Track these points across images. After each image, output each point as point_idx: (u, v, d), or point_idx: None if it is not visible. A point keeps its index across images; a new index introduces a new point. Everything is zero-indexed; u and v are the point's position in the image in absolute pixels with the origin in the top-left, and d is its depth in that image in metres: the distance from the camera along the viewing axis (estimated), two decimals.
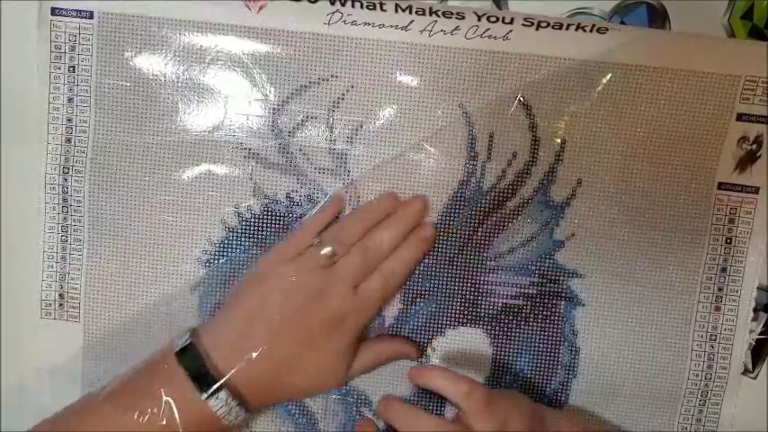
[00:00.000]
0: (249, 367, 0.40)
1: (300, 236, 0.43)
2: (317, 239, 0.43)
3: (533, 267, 0.46)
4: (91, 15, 0.44)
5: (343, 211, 0.45)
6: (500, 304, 0.46)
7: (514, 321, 0.46)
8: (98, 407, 0.39)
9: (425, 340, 0.46)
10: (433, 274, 0.46)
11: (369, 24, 0.43)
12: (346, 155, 0.45)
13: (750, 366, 0.47)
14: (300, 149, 0.45)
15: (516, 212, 0.46)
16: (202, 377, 0.39)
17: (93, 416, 0.39)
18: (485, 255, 0.46)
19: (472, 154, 0.45)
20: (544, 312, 0.46)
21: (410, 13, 0.43)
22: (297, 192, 0.45)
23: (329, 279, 0.41)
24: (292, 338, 0.41)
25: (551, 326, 0.46)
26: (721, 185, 0.46)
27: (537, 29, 0.43)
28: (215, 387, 0.39)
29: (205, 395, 0.39)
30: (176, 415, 0.38)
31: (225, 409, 0.39)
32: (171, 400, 0.38)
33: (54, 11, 0.43)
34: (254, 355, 0.40)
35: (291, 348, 0.41)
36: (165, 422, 0.38)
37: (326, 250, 0.42)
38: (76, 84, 0.44)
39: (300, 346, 0.41)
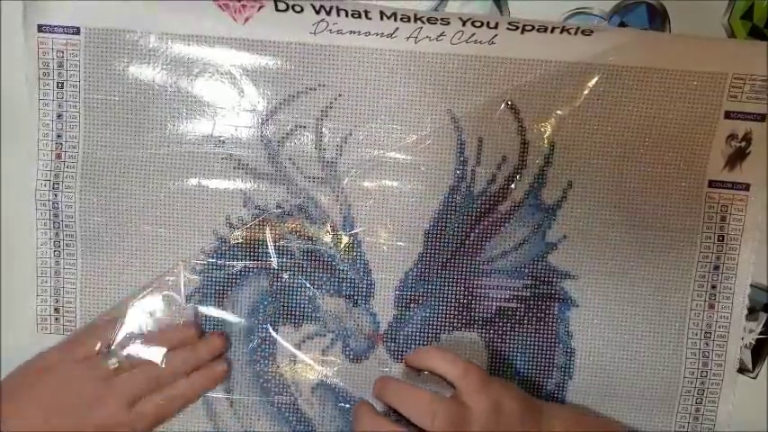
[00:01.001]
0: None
1: (94, 335, 0.44)
2: (105, 349, 0.44)
3: (526, 270, 0.46)
4: (77, 31, 0.43)
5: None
6: (494, 307, 0.46)
7: (509, 324, 0.46)
8: None
9: (420, 345, 0.46)
10: (427, 279, 0.46)
11: (355, 33, 0.43)
12: (336, 163, 0.45)
13: (750, 366, 0.47)
14: (290, 159, 0.45)
15: (508, 216, 0.45)
16: None
17: None
18: (478, 259, 0.45)
19: (462, 159, 0.45)
20: (538, 314, 0.46)
21: (395, 20, 0.43)
22: (287, 201, 0.45)
23: (105, 391, 0.42)
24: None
25: (546, 328, 0.46)
26: (712, 183, 0.45)
27: (522, 32, 0.43)
28: None
29: None
30: None
31: None
32: None
33: (41, 28, 0.43)
34: None
35: None
36: None
37: (113, 362, 0.43)
38: (65, 99, 0.44)
39: None
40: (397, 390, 0.43)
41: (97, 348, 0.43)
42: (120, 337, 0.44)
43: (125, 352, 0.43)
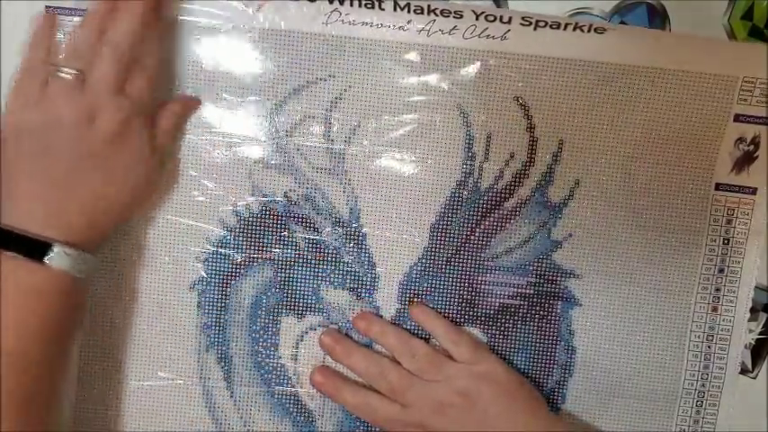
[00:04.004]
0: (65, 219, 0.37)
1: (29, 70, 0.38)
2: (51, 66, 0.37)
3: (531, 268, 0.45)
4: (84, 13, 0.42)
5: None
6: (497, 304, 0.45)
7: (512, 321, 0.45)
8: None
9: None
10: (431, 273, 0.44)
11: (367, 24, 0.42)
12: (343, 154, 0.43)
13: (750, 366, 0.46)
14: (298, 149, 0.43)
15: (514, 213, 0.44)
16: (25, 246, 0.36)
17: None
18: (482, 255, 0.44)
19: (470, 154, 0.44)
20: (541, 312, 0.45)
21: (408, 12, 0.41)
22: (294, 191, 0.44)
23: (91, 100, 0.37)
24: (88, 170, 0.37)
25: (548, 326, 0.45)
26: (719, 186, 0.44)
27: (535, 29, 0.42)
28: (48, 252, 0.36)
29: (41, 261, 0.36)
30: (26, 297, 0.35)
31: (67, 260, 0.36)
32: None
33: (48, 9, 0.42)
34: (60, 197, 0.37)
35: (92, 178, 0.37)
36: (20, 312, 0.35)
37: (68, 72, 0.37)
38: None
39: (93, 168, 0.37)
40: (382, 328, 0.44)
41: (41, 74, 0.37)
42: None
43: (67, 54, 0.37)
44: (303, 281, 0.44)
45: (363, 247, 0.44)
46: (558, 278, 0.45)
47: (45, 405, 0.37)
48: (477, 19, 0.42)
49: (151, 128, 0.40)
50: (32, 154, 0.37)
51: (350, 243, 0.44)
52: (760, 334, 0.46)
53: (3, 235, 0.36)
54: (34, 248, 0.36)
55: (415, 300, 0.45)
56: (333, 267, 0.44)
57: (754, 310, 0.46)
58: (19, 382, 0.35)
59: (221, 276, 0.44)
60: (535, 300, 0.45)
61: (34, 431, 0.36)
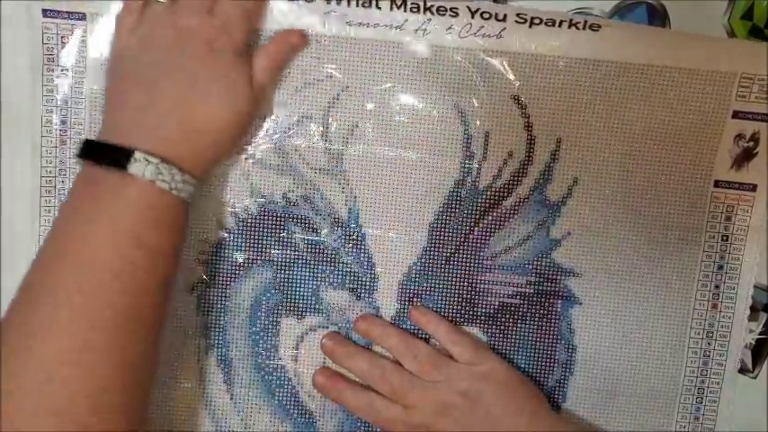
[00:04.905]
0: (150, 123, 0.37)
1: (128, 4, 0.40)
2: None
3: (530, 266, 0.44)
4: (83, 17, 0.42)
5: None
6: (497, 303, 0.44)
7: (511, 320, 0.45)
8: (47, 265, 0.35)
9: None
10: (431, 273, 0.44)
11: (363, 24, 0.42)
12: (342, 155, 0.43)
13: (750, 366, 0.46)
14: (296, 150, 0.43)
15: (513, 212, 0.44)
16: (114, 157, 0.35)
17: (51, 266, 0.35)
18: (481, 254, 0.44)
19: (468, 153, 0.43)
20: (541, 311, 0.45)
21: (405, 10, 0.41)
22: (293, 192, 0.43)
23: (180, 18, 0.38)
24: (181, 86, 0.37)
25: (548, 324, 0.45)
26: (718, 183, 0.44)
27: (530, 26, 0.41)
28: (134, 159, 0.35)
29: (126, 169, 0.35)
30: (117, 209, 0.35)
31: (151, 169, 0.35)
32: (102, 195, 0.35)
33: (45, 12, 0.42)
34: (148, 108, 0.37)
35: (185, 94, 0.37)
36: (116, 224, 0.35)
37: None
38: (70, 85, 0.42)
39: (187, 86, 0.37)
40: (384, 330, 0.43)
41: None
42: None
43: None
44: (303, 282, 0.44)
45: (362, 247, 0.44)
46: (558, 277, 0.44)
47: (141, 338, 0.36)
48: (472, 17, 0.41)
49: (246, 59, 0.39)
50: (133, 75, 0.38)
51: (349, 243, 0.44)
52: (760, 334, 0.45)
53: (93, 148, 0.36)
54: (118, 156, 0.35)
55: (415, 300, 0.44)
56: (332, 268, 0.44)
57: (754, 310, 0.45)
58: (118, 292, 0.35)
59: (221, 278, 0.44)
60: (535, 299, 0.44)
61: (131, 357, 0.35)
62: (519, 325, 0.45)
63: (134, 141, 0.36)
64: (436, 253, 0.44)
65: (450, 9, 0.41)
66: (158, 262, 0.36)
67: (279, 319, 0.44)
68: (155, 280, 0.36)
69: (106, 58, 0.41)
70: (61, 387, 0.33)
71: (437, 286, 0.44)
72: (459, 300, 0.44)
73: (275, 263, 0.44)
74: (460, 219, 0.44)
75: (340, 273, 0.44)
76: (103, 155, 0.36)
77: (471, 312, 0.44)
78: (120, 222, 0.35)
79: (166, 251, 0.37)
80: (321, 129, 0.43)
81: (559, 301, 0.44)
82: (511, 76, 0.42)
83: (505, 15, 0.41)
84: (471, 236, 0.44)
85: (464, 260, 0.44)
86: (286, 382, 0.45)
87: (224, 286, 0.44)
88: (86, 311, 0.34)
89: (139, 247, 0.35)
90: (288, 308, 0.44)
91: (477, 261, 0.44)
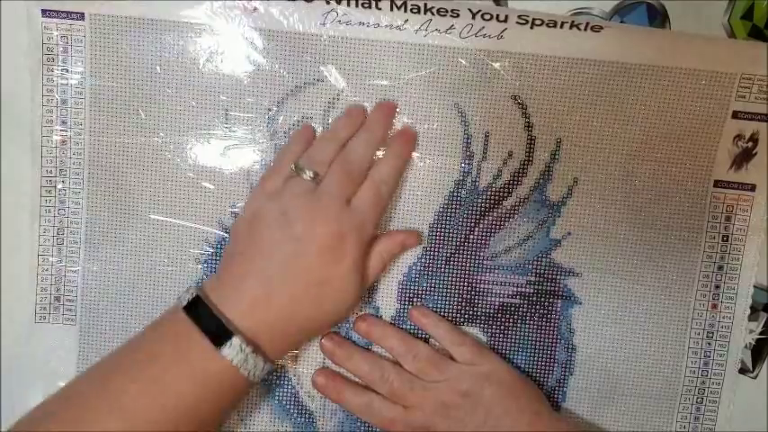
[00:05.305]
0: (260, 313, 0.37)
1: (278, 168, 0.40)
2: (293, 167, 0.39)
3: (530, 266, 0.44)
4: (82, 17, 0.41)
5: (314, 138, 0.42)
6: (497, 303, 0.44)
7: (511, 320, 0.44)
8: (104, 382, 0.35)
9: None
10: (431, 273, 0.44)
11: (363, 24, 0.41)
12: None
13: (750, 366, 0.45)
14: None
15: (513, 212, 0.44)
16: (213, 329, 0.36)
17: (101, 393, 0.35)
18: (482, 254, 0.44)
19: (468, 153, 0.43)
20: (541, 311, 0.44)
21: (405, 11, 0.41)
22: None
23: (318, 202, 0.38)
24: (297, 275, 0.37)
25: (548, 324, 0.44)
26: (717, 183, 0.44)
27: (531, 27, 0.41)
28: (231, 340, 0.35)
29: (219, 348, 0.35)
30: (191, 373, 0.35)
31: (240, 357, 0.35)
32: (182, 358, 0.35)
33: (44, 13, 0.41)
34: (262, 299, 0.37)
35: (299, 284, 0.37)
36: (180, 385, 0.35)
37: (308, 173, 0.38)
38: (70, 85, 0.42)
39: (305, 283, 0.37)
40: (384, 330, 0.43)
41: (285, 173, 0.39)
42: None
43: (307, 160, 0.39)
44: None
45: None
46: (558, 277, 0.44)
47: None
48: (473, 18, 0.41)
49: (366, 257, 0.40)
50: (257, 241, 0.38)
51: None
52: (760, 334, 0.45)
53: (200, 308, 0.37)
54: (217, 332, 0.36)
55: (415, 300, 0.44)
56: None
57: (754, 310, 0.45)
58: None
59: None
60: (535, 299, 0.44)
61: None
62: (519, 325, 0.45)
63: (237, 316, 0.36)
64: (436, 253, 0.44)
65: (451, 10, 0.41)
66: (199, 427, 0.36)
67: None
68: None
69: (109, 58, 0.41)
70: None
71: (437, 286, 0.44)
72: (460, 300, 0.44)
73: None
74: (461, 219, 0.44)
75: None
76: (205, 322, 0.36)
77: (471, 312, 0.44)
78: (186, 388, 0.35)
79: (211, 420, 0.37)
80: (321, 129, 0.43)
81: (559, 301, 0.44)
82: (511, 77, 0.42)
83: (507, 17, 0.41)
84: (471, 236, 0.44)
85: (464, 260, 0.44)
86: (286, 382, 0.44)
87: None
88: None
89: (189, 415, 0.35)
90: None
91: (477, 261, 0.44)
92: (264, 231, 0.38)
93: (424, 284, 0.44)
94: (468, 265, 0.44)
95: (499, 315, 0.44)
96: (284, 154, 0.41)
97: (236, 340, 0.35)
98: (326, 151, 0.40)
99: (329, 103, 0.42)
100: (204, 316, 0.36)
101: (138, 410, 0.34)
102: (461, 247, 0.44)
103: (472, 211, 0.44)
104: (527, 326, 0.45)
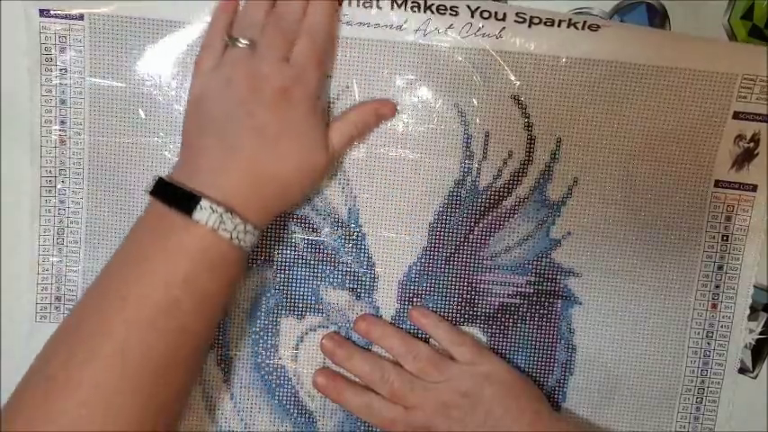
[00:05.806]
0: (223, 179, 0.37)
1: (209, 46, 0.40)
2: (226, 38, 0.39)
3: (530, 266, 0.44)
4: (81, 17, 0.41)
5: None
6: (497, 303, 0.44)
7: (511, 320, 0.44)
8: (103, 291, 0.36)
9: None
10: (430, 273, 0.44)
11: (363, 24, 0.41)
12: (342, 155, 0.43)
13: (750, 366, 0.45)
14: None
15: (512, 211, 0.43)
16: (180, 198, 0.36)
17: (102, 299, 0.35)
18: (481, 254, 0.44)
19: (468, 153, 0.43)
20: (541, 311, 0.44)
21: (405, 9, 0.41)
22: None
23: (257, 63, 0.38)
24: (251, 134, 0.37)
25: (548, 324, 0.44)
26: (718, 183, 0.44)
27: (530, 26, 0.41)
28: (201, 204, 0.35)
29: (191, 215, 0.35)
30: (174, 248, 0.35)
31: (215, 218, 0.35)
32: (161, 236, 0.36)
33: (42, 13, 0.41)
34: (223, 164, 0.37)
35: (255, 143, 0.37)
36: (169, 264, 0.35)
37: (242, 42, 0.38)
38: (69, 85, 0.42)
39: (258, 136, 0.37)
40: (384, 330, 0.43)
41: (219, 46, 0.39)
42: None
43: (239, 27, 0.39)
44: (302, 281, 0.44)
45: (362, 247, 0.44)
46: (558, 276, 0.44)
47: (179, 382, 0.36)
48: (472, 16, 0.41)
49: (320, 112, 0.40)
50: (208, 119, 0.38)
51: (349, 243, 0.44)
52: (760, 334, 0.45)
53: (164, 187, 0.37)
54: (184, 201, 0.36)
55: (415, 300, 0.44)
56: (332, 268, 0.44)
57: (754, 310, 0.45)
58: (162, 340, 0.35)
59: None
60: (535, 298, 0.44)
61: (166, 398, 0.35)
62: (519, 325, 0.44)
63: (203, 187, 0.36)
64: (436, 253, 0.44)
65: (450, 8, 0.41)
66: (205, 307, 0.36)
67: (279, 319, 0.44)
68: (198, 325, 0.36)
69: (108, 58, 0.41)
70: (89, 423, 0.33)
71: (437, 286, 0.44)
72: (459, 300, 0.44)
73: (275, 262, 0.44)
74: (460, 219, 0.43)
75: (340, 272, 0.44)
76: (172, 197, 0.36)
77: (471, 312, 0.44)
78: (175, 263, 0.35)
79: (214, 297, 0.37)
80: None
81: (559, 301, 0.44)
82: (511, 76, 0.42)
83: (505, 14, 0.41)
84: (471, 236, 0.44)
85: (464, 260, 0.44)
86: (286, 382, 0.44)
87: None
88: (128, 348, 0.34)
89: (189, 291, 0.35)
90: (288, 308, 0.44)
91: (476, 261, 0.44)
92: (212, 104, 0.38)
93: (424, 284, 0.44)
94: (468, 264, 0.44)
95: (499, 315, 0.44)
96: (213, 30, 0.40)
97: (204, 202, 0.35)
98: (256, 15, 0.39)
99: (329, 103, 0.42)
100: (170, 193, 0.36)
101: (142, 296, 0.35)
102: (461, 247, 0.44)
103: (472, 210, 0.43)
104: (527, 326, 0.44)
